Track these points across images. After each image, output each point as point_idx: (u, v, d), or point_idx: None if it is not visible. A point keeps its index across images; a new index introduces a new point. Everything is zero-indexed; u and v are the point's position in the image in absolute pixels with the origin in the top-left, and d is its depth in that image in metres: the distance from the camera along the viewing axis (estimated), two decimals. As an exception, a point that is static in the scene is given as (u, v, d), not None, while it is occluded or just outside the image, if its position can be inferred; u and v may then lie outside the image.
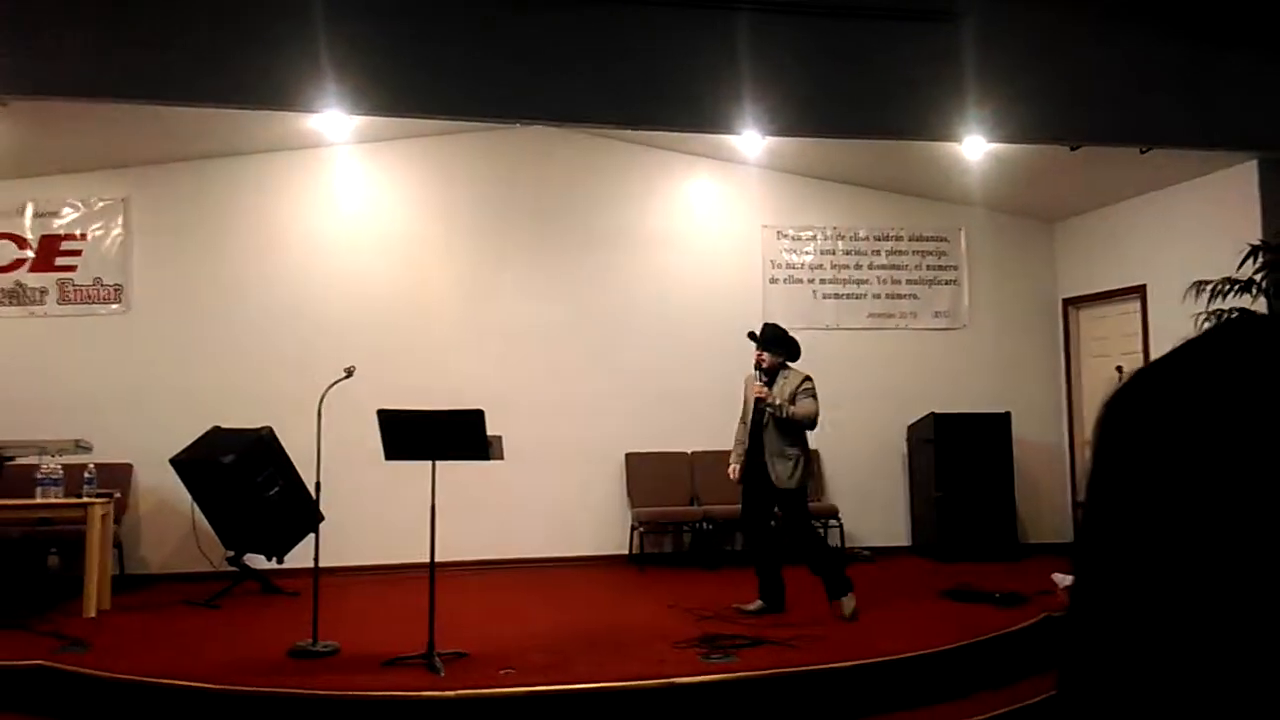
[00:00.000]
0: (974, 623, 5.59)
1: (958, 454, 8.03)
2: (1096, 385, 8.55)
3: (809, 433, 5.96)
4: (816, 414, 5.85)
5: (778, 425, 5.83)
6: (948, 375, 8.64)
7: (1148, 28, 6.03)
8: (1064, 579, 6.08)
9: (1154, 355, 7.07)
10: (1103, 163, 7.13)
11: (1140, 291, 8.07)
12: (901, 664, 4.90)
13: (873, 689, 4.74)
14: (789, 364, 5.99)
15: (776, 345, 5.97)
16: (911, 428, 8.46)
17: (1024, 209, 8.90)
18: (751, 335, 6.01)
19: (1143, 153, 6.67)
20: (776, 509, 5.98)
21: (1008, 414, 8.19)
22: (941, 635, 5.28)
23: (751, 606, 5.91)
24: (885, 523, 8.48)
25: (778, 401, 5.80)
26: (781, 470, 5.82)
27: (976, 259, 8.91)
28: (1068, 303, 8.96)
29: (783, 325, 8.54)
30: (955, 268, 8.90)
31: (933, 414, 8.13)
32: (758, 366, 5.92)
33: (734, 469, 5.99)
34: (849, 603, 5.74)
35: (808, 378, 5.92)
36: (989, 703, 4.73)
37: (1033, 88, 6.05)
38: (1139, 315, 8.09)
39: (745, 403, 6.04)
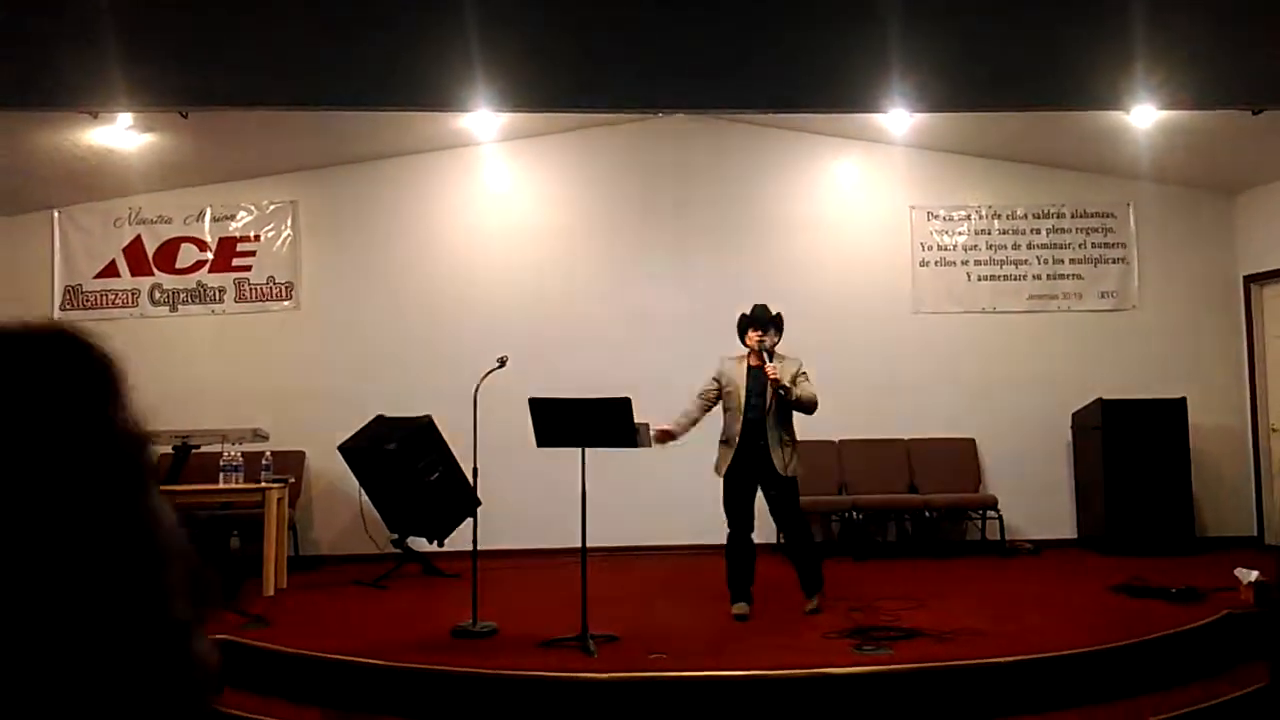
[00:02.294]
0: (1148, 620, 5.29)
1: (1128, 442, 7.60)
2: (1284, 367, 7.93)
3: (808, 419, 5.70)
4: (817, 399, 5.60)
5: (779, 410, 5.57)
6: (1116, 359, 8.19)
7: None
8: (1248, 574, 5.68)
9: (1351, 334, 6.37)
10: (1289, 127, 6.58)
11: (1334, 265, 7.44)
12: (1068, 660, 4.68)
13: (1036, 686, 4.54)
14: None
15: (776, 327, 5.68)
16: (1077, 415, 8.06)
17: (1200, 180, 8.32)
18: (749, 317, 5.69)
19: (1336, 114, 6.13)
20: (767, 500, 5.65)
21: (1183, 399, 7.70)
22: (1112, 631, 5.02)
23: (745, 610, 5.57)
24: (1048, 514, 8.12)
25: (787, 383, 5.53)
26: (785, 457, 5.56)
27: (1147, 235, 8.40)
28: (1249, 280, 8.33)
29: (935, 309, 8.34)
30: (1123, 245, 8.41)
31: (1100, 400, 7.72)
32: (761, 348, 5.56)
33: (672, 428, 5.54)
34: (817, 600, 5.59)
35: (802, 362, 5.67)
36: (1164, 703, 4.47)
37: (1209, 48, 5.62)
38: (1333, 291, 7.46)
39: (733, 390, 5.61)
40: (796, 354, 5.88)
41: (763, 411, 5.58)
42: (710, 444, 5.75)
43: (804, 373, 5.64)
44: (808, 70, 5.63)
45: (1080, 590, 6.27)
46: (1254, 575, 5.64)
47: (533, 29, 5.49)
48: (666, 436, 5.48)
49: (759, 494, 5.68)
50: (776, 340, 5.68)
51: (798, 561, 5.71)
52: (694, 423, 5.68)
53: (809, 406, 5.61)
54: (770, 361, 5.55)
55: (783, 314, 5.78)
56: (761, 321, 5.65)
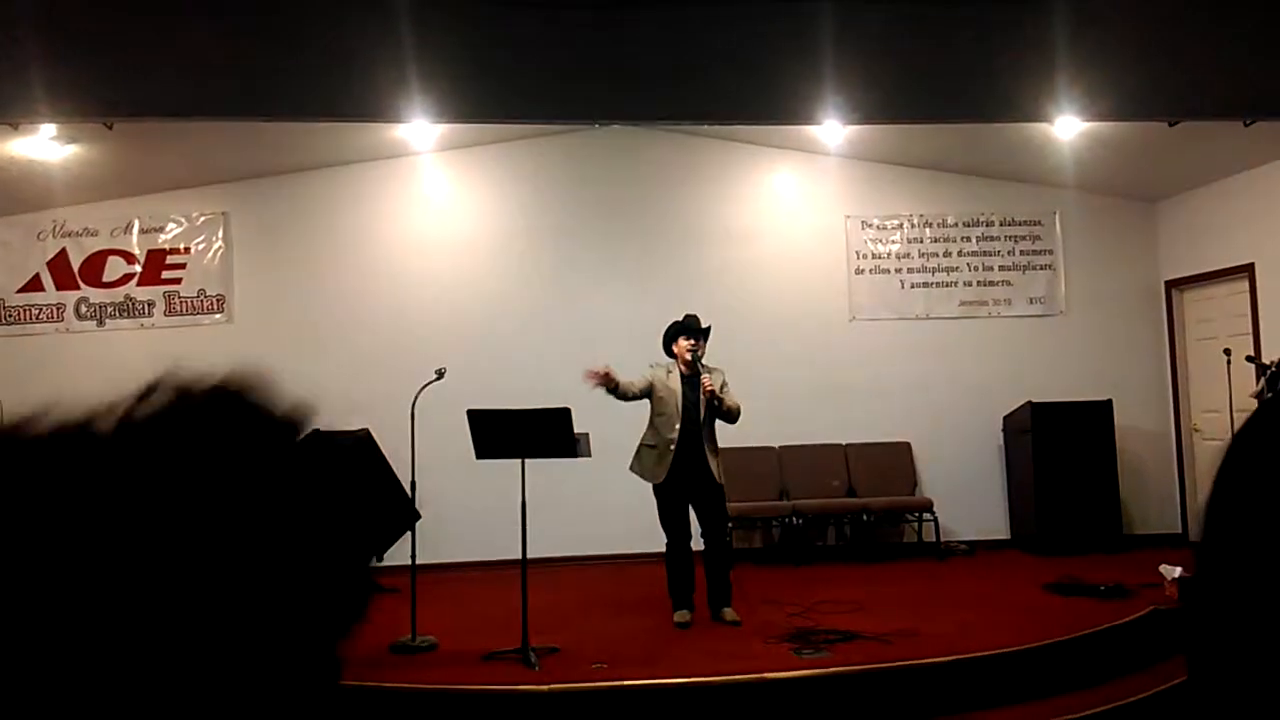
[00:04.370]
0: (1078, 617, 5.43)
1: (1057, 444, 7.79)
2: (1203, 370, 8.20)
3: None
4: (740, 408, 5.67)
5: (711, 420, 5.66)
6: (1045, 363, 8.40)
7: (1249, -7, 5.75)
8: (1172, 570, 5.86)
9: (1265, 336, 6.72)
10: (1204, 138, 6.83)
11: (1248, 270, 7.72)
12: (1002, 659, 4.79)
13: (972, 685, 4.64)
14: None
15: (705, 337, 5.72)
16: (1008, 418, 8.25)
17: (1122, 189, 8.59)
18: (681, 325, 5.73)
19: (1247, 125, 6.36)
20: (695, 507, 5.68)
21: (1109, 401, 7.92)
22: (1045, 629, 5.15)
23: (688, 618, 5.63)
24: (982, 515, 8.29)
25: (721, 394, 5.60)
26: (718, 466, 5.66)
27: (1073, 242, 8.63)
28: (1171, 285, 8.61)
29: (870, 316, 8.48)
30: (1050, 252, 8.64)
31: (1030, 403, 7.91)
32: (694, 357, 5.62)
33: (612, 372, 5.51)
34: (733, 611, 5.63)
35: (724, 372, 5.75)
36: (1094, 698, 4.59)
37: (1127, 62, 5.82)
38: (1247, 295, 7.74)
39: (669, 397, 5.63)
40: (736, 361, 5.94)
41: (698, 421, 5.62)
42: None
43: (726, 382, 5.71)
44: (744, 83, 5.70)
45: (1014, 590, 6.41)
46: (1177, 571, 5.83)
47: (469, 40, 5.48)
48: (604, 378, 5.44)
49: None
50: (704, 351, 5.73)
51: (719, 569, 5.72)
52: (627, 392, 5.61)
53: (735, 415, 5.68)
54: (701, 371, 5.62)
55: (712, 325, 5.83)
56: (694, 330, 5.71)
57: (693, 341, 5.65)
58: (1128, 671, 4.91)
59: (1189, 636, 0.60)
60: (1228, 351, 7.25)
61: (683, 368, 5.67)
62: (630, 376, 5.72)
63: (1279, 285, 7.27)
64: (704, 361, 5.69)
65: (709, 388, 5.55)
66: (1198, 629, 0.60)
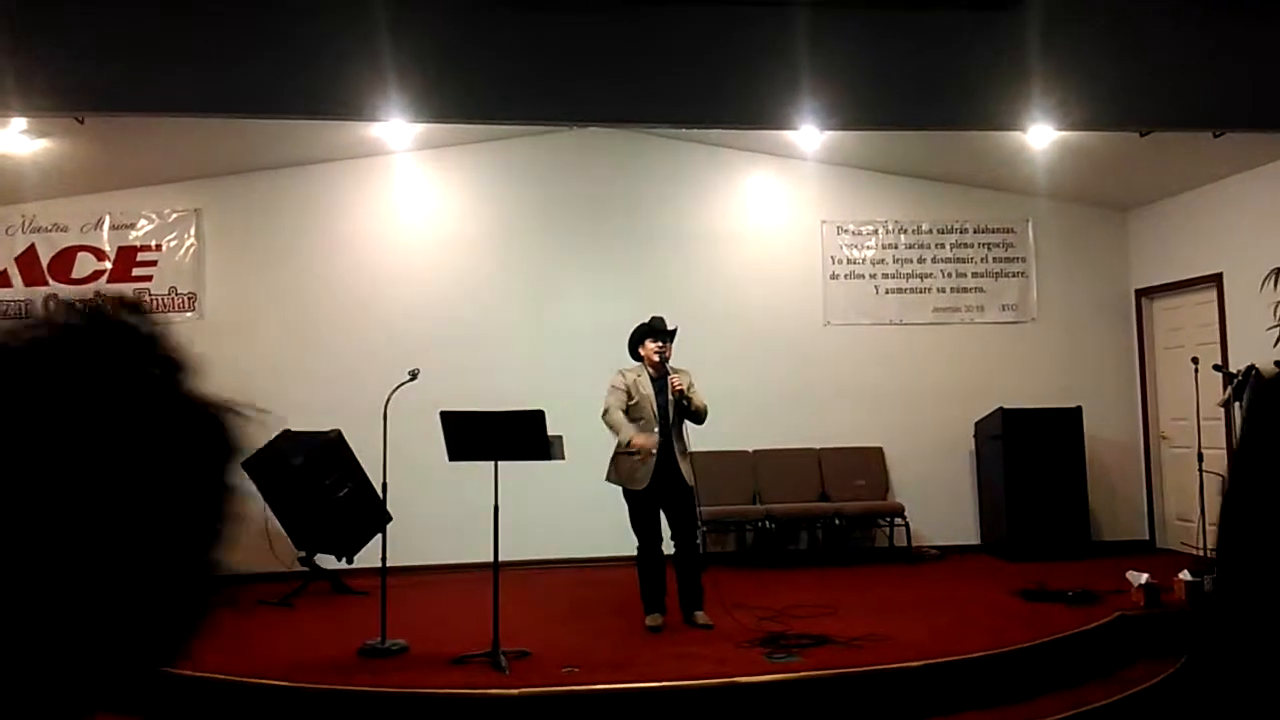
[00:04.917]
0: (1047, 622, 5.48)
1: (1027, 450, 7.86)
2: (1171, 378, 8.30)
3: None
4: (707, 408, 5.68)
5: (680, 422, 5.66)
6: (1016, 370, 8.47)
7: (1219, 6, 5.83)
8: (1138, 577, 5.92)
9: (1231, 345, 6.81)
10: (1175, 148, 6.91)
11: (1216, 280, 7.82)
12: (970, 664, 4.82)
13: (941, 689, 4.67)
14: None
15: (672, 339, 5.72)
16: (979, 424, 8.31)
17: (1093, 198, 8.68)
18: (649, 327, 5.72)
19: (1216, 136, 6.46)
20: (666, 511, 5.66)
21: (1078, 409, 8.00)
22: (1013, 634, 5.19)
23: (660, 621, 5.62)
24: (953, 521, 8.35)
25: (689, 393, 5.60)
26: (690, 468, 5.65)
27: (1045, 250, 8.72)
28: (1140, 293, 8.71)
29: (845, 321, 8.52)
30: (1023, 260, 8.71)
31: (1001, 409, 7.97)
32: (662, 358, 5.63)
33: (646, 442, 5.55)
34: (704, 614, 5.63)
35: (690, 373, 5.75)
36: (1061, 703, 4.64)
37: (1100, 72, 5.88)
38: (1215, 305, 7.84)
39: (643, 402, 5.62)
40: (710, 364, 5.94)
41: (669, 423, 5.63)
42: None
43: (692, 383, 5.71)
44: (721, 86, 5.72)
45: (983, 595, 6.46)
46: (1144, 578, 5.89)
47: (446, 39, 5.45)
48: (649, 447, 5.50)
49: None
50: (670, 353, 5.73)
51: (691, 573, 5.71)
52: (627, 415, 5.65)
53: (703, 416, 5.68)
54: (669, 373, 5.62)
55: (678, 327, 5.82)
56: (661, 332, 5.70)
57: (660, 344, 5.65)
58: (1094, 677, 4.97)
59: (1200, 637, 0.60)
60: (1195, 360, 7.33)
61: (650, 370, 5.66)
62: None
63: (1246, 295, 7.36)
64: (671, 364, 5.69)
65: (678, 386, 5.55)
66: (1211, 632, 0.60)
